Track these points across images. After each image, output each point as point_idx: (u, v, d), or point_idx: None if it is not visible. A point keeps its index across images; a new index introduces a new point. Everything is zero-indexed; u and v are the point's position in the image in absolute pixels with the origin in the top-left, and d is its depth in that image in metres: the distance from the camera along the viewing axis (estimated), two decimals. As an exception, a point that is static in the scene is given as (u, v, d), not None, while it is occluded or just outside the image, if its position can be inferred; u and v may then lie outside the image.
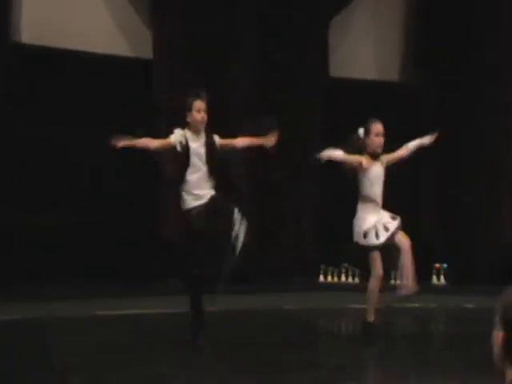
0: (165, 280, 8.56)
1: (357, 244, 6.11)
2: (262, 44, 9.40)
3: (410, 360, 5.86)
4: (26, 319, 6.83)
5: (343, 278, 9.71)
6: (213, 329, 6.00)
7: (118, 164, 8.72)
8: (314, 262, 9.63)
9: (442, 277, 9.83)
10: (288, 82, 9.57)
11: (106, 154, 8.66)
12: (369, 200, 6.10)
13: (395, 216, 6.13)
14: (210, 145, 5.75)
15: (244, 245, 5.59)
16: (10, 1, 8.52)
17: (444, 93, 10.20)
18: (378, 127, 6.13)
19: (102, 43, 8.92)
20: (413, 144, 6.31)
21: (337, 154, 6.08)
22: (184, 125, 5.71)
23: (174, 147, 5.65)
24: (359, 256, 6.32)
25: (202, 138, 5.75)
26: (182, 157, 5.65)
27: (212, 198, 5.66)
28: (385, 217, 6.10)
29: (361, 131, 6.19)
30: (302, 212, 9.79)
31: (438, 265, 9.82)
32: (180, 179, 5.68)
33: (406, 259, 6.08)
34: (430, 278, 9.83)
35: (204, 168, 5.70)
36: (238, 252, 5.59)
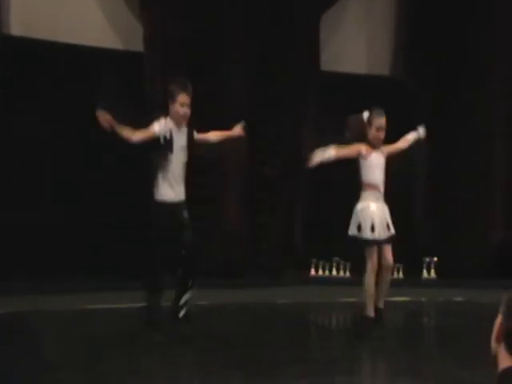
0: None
1: (353, 237, 6.02)
2: (253, 38, 9.37)
3: (400, 353, 5.86)
4: (16, 313, 6.81)
5: (334, 272, 9.71)
6: (203, 323, 5.99)
7: (110, 158, 8.70)
8: (305, 256, 9.62)
9: (432, 271, 9.86)
10: (279, 76, 9.55)
11: (96, 147, 8.72)
12: (371, 187, 5.98)
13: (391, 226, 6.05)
14: (191, 138, 5.77)
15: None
16: (0, -7, 8.46)
17: (435, 87, 10.20)
18: (380, 121, 6.01)
19: (92, 36, 8.87)
20: (411, 136, 6.24)
21: (328, 154, 5.91)
22: (166, 112, 5.70)
23: (157, 137, 5.66)
24: (353, 249, 6.26)
25: (184, 131, 5.77)
26: (164, 148, 5.67)
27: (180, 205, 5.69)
28: (387, 216, 6.05)
29: (365, 114, 6.04)
30: (293, 206, 9.78)
31: (428, 259, 9.85)
32: (160, 166, 5.69)
33: (385, 277, 6.00)
34: (421, 272, 9.85)
35: (183, 160, 5.74)
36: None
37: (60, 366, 4.95)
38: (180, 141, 5.74)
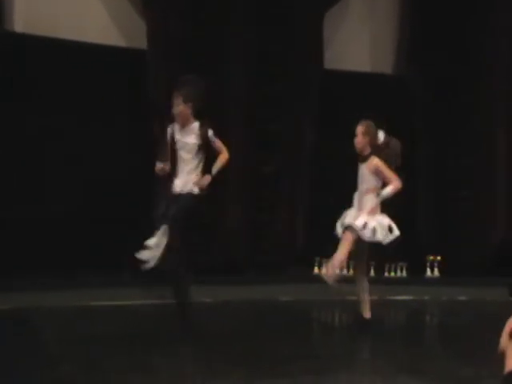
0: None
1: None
2: (256, 35, 9.35)
3: (403, 351, 5.86)
4: (17, 309, 6.81)
5: (338, 270, 9.66)
6: (206, 320, 5.98)
7: (109, 154, 8.70)
8: (309, 254, 9.61)
9: (435, 269, 9.84)
10: (282, 74, 9.53)
11: (98, 143, 8.71)
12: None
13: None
14: (203, 137, 5.79)
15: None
16: (3, -10, 8.46)
17: (437, 86, 10.19)
18: (357, 128, 6.24)
19: (95, 33, 8.87)
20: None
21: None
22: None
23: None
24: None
25: (189, 130, 5.80)
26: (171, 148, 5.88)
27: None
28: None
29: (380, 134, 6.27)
30: (295, 204, 9.76)
31: (431, 257, 9.83)
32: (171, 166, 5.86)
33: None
34: (424, 271, 9.84)
35: (184, 157, 5.80)
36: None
37: (61, 363, 4.94)
38: (182, 139, 5.82)
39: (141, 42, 8.91)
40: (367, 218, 6.08)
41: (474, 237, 9.93)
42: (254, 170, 9.38)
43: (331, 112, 9.43)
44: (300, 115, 9.70)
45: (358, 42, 10.38)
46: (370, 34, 10.51)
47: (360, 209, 6.17)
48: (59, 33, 8.56)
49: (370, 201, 6.15)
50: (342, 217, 6.28)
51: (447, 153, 10.17)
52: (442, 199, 10.20)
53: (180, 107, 5.76)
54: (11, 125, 8.23)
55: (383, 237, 6.08)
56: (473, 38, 10.05)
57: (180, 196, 5.75)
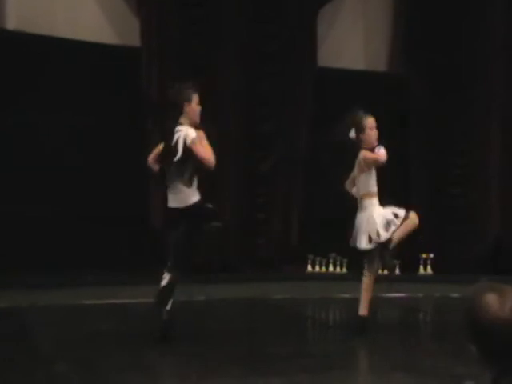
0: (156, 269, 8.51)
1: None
2: (250, 33, 9.36)
3: (396, 349, 5.87)
4: (13, 308, 6.80)
5: (331, 268, 9.71)
6: (201, 318, 5.98)
7: (108, 152, 8.69)
8: (302, 252, 9.63)
9: (428, 267, 9.87)
10: (276, 72, 9.54)
11: (92, 142, 8.70)
12: (376, 195, 6.11)
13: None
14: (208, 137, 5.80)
15: None
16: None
17: (432, 83, 10.20)
18: (371, 121, 6.09)
19: (88, 31, 8.85)
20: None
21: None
22: (179, 114, 5.69)
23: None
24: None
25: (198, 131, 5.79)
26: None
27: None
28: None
29: (352, 133, 6.11)
30: (290, 202, 9.78)
31: (424, 255, 9.86)
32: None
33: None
34: (417, 268, 9.86)
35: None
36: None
37: (57, 361, 4.94)
38: None
39: (134, 40, 8.91)
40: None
41: (468, 234, 9.97)
42: (249, 169, 9.39)
43: (325, 109, 9.44)
44: (294, 113, 9.71)
45: (353, 40, 10.38)
46: (365, 31, 10.51)
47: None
48: (53, 30, 8.55)
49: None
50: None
51: (441, 150, 10.19)
52: (435, 197, 10.22)
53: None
54: (5, 122, 8.21)
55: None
56: (468, 35, 10.06)
57: (179, 219, 5.70)
